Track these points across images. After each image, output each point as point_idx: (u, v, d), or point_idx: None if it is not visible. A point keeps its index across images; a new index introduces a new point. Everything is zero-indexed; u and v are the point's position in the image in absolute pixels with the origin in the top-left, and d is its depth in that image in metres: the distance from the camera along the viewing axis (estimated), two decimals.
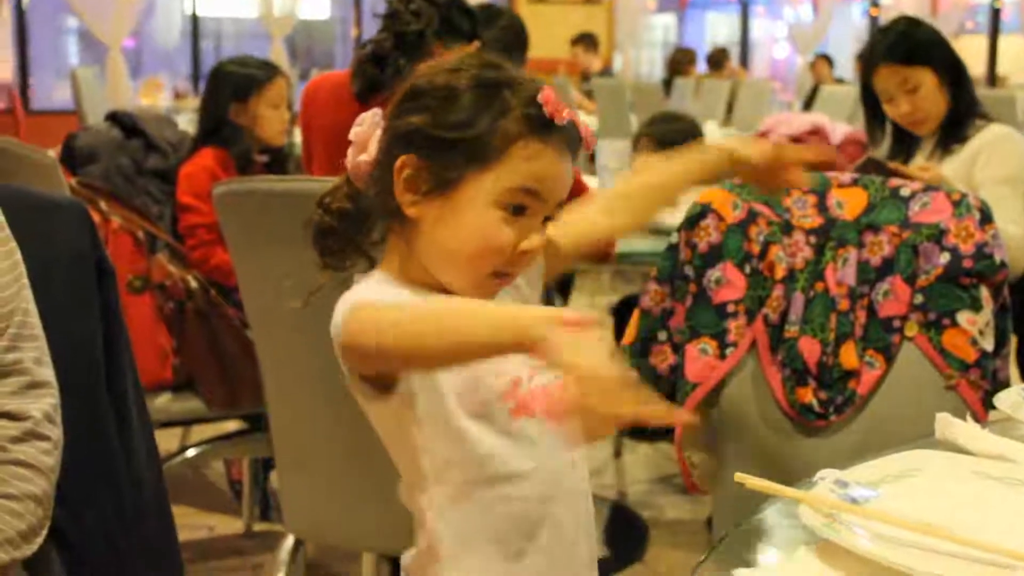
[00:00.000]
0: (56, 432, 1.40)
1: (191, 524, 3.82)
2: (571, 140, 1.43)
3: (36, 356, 1.41)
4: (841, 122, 4.46)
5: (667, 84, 11.39)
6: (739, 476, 1.20)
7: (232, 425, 3.42)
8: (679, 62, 12.29)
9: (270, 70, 3.75)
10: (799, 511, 1.15)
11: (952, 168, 3.37)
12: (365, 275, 1.48)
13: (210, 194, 3.28)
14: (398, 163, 1.41)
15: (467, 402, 1.40)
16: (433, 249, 1.42)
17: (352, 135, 1.47)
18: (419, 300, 1.41)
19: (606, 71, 12.54)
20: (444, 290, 1.44)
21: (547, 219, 1.43)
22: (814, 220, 2.14)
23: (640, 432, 4.12)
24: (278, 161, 3.74)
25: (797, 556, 1.09)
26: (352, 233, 1.49)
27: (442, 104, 1.41)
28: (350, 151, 1.50)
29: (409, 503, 1.51)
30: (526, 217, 1.39)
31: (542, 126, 1.39)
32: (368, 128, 1.46)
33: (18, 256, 1.42)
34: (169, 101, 10.42)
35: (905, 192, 2.16)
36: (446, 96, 1.41)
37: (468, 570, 1.45)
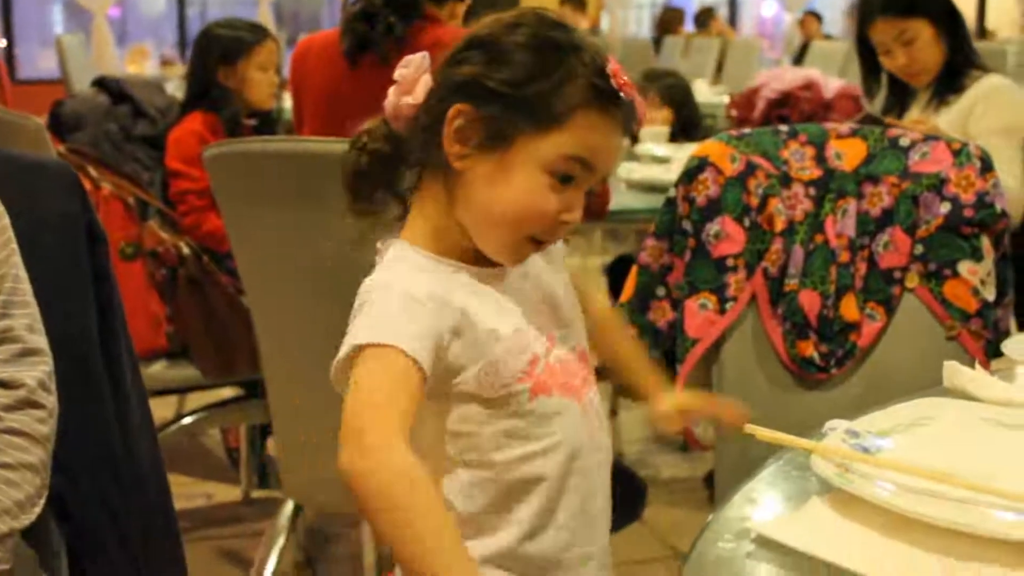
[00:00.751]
0: (51, 400, 1.39)
1: (189, 493, 3.81)
2: (629, 117, 1.39)
3: (28, 323, 1.39)
4: (834, 77, 4.42)
5: (656, 42, 11.37)
6: (749, 427, 1.18)
7: (228, 392, 3.40)
8: (668, 21, 12.28)
9: (259, 32, 3.71)
10: (811, 461, 1.13)
11: (947, 120, 3.36)
12: (386, 246, 1.43)
13: (200, 159, 3.25)
14: (452, 111, 1.35)
15: (487, 387, 1.36)
16: (475, 206, 1.37)
17: (397, 75, 1.41)
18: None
19: (594, 30, 12.48)
20: (471, 258, 1.40)
21: (589, 193, 1.40)
22: (813, 172, 2.12)
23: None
24: (267, 124, 3.71)
25: (811, 506, 1.08)
26: (386, 176, 1.45)
27: (506, 58, 1.36)
28: (392, 91, 1.43)
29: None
30: (573, 187, 1.36)
31: (607, 98, 1.34)
32: (415, 71, 1.40)
33: (6, 221, 1.40)
34: (156, 69, 10.36)
35: (904, 142, 2.14)
36: (511, 51, 1.36)
37: (487, 547, 1.42)
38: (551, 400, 1.39)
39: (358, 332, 1.32)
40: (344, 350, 1.33)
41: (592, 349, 1.53)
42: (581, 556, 1.45)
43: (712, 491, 3.72)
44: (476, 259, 1.40)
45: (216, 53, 3.62)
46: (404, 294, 1.33)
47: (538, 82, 1.34)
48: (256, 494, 3.80)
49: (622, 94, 1.34)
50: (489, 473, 1.39)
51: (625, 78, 1.35)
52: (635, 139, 4.03)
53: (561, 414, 1.40)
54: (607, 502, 1.49)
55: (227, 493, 3.86)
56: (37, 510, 1.35)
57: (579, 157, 1.34)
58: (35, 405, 1.35)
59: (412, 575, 1.20)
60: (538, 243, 1.38)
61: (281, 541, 2.66)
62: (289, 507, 2.67)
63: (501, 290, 1.40)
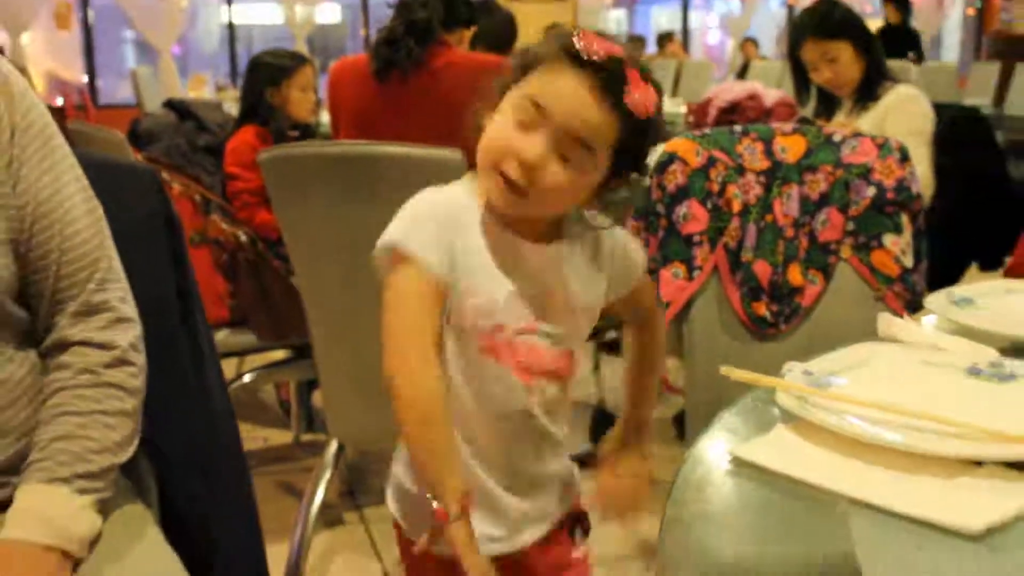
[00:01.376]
0: (140, 358, 1.37)
1: (248, 437, 3.80)
2: (607, 78, 1.24)
3: (120, 295, 1.37)
4: (773, 88, 4.40)
5: None
6: (724, 369, 1.16)
7: (280, 354, 3.39)
8: (631, 48, 12.23)
9: (298, 59, 3.70)
10: (776, 396, 1.12)
11: (867, 123, 3.37)
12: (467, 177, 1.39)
13: (252, 163, 3.25)
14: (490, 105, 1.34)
15: (455, 322, 1.32)
16: (477, 158, 1.33)
17: None
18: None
19: None
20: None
21: (567, 159, 1.26)
22: (763, 163, 2.11)
23: (615, 347, 4.11)
24: (308, 135, 3.69)
25: (777, 433, 1.06)
26: None
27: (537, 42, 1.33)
28: None
29: None
30: (532, 130, 1.26)
31: (569, 54, 1.26)
32: None
33: (100, 212, 1.38)
34: (212, 94, 10.32)
35: (837, 138, 2.13)
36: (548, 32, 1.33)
37: None
38: (497, 366, 1.34)
39: (394, 229, 1.31)
40: (382, 242, 1.31)
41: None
42: (489, 486, 1.40)
43: (680, 429, 3.72)
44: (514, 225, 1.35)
45: (264, 77, 3.61)
46: (438, 203, 1.33)
47: (531, 51, 1.31)
48: (304, 437, 3.81)
49: (582, 52, 1.24)
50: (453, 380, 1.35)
51: (596, 45, 1.24)
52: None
53: (502, 381, 1.35)
54: (544, 466, 1.44)
55: (280, 437, 3.86)
56: (132, 449, 1.34)
57: (533, 97, 1.26)
58: (128, 363, 1.34)
59: (418, 469, 1.33)
60: (515, 189, 1.27)
61: (327, 475, 2.65)
62: (333, 447, 2.66)
63: (511, 257, 1.34)
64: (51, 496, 1.22)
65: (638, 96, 1.25)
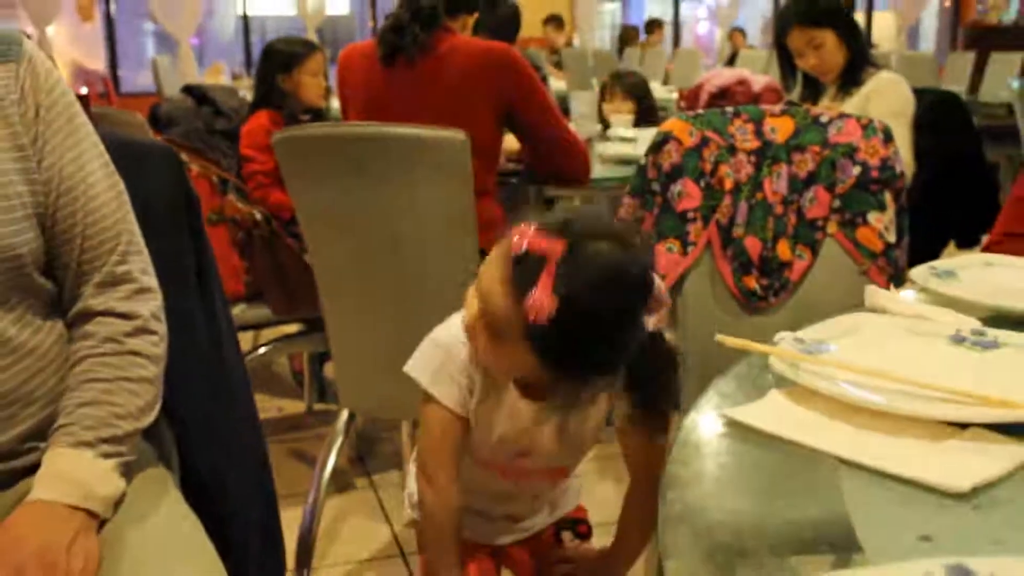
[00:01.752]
0: (162, 327, 1.36)
1: (263, 407, 3.79)
2: (519, 273, 1.18)
3: (142, 267, 1.36)
4: (760, 75, 4.38)
5: (619, 53, 11.33)
6: (719, 337, 1.15)
7: (293, 327, 3.38)
8: (626, 36, 12.25)
9: (309, 46, 3.69)
10: (770, 362, 1.11)
11: (851, 107, 3.36)
12: None
13: (266, 146, 3.23)
14: None
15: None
16: None
17: None
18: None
19: (569, 46, 12.41)
20: None
21: (488, 336, 1.26)
22: (753, 143, 2.09)
23: None
24: (319, 119, 3.66)
25: (771, 397, 1.05)
26: None
27: None
28: None
29: None
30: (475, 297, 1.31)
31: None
32: None
33: (122, 187, 1.37)
34: (228, 82, 10.29)
35: (824, 119, 2.11)
36: None
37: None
38: (490, 474, 1.46)
39: (424, 371, 1.40)
40: (412, 372, 1.42)
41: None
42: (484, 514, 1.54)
43: None
44: None
45: (276, 63, 3.59)
46: (449, 351, 1.38)
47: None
48: (317, 407, 3.81)
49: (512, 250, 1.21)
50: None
51: (524, 240, 1.18)
52: (607, 125, 3.99)
53: (496, 481, 1.47)
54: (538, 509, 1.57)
55: (294, 407, 3.85)
56: (154, 415, 1.32)
57: (478, 270, 1.29)
58: (149, 332, 1.33)
59: (426, 556, 1.49)
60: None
61: (338, 443, 2.63)
62: (344, 415, 2.64)
63: (505, 408, 1.38)
64: (77, 459, 1.21)
65: (533, 301, 1.14)
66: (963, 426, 0.96)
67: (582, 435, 1.42)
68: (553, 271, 1.14)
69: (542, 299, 1.13)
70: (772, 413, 1.01)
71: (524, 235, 1.17)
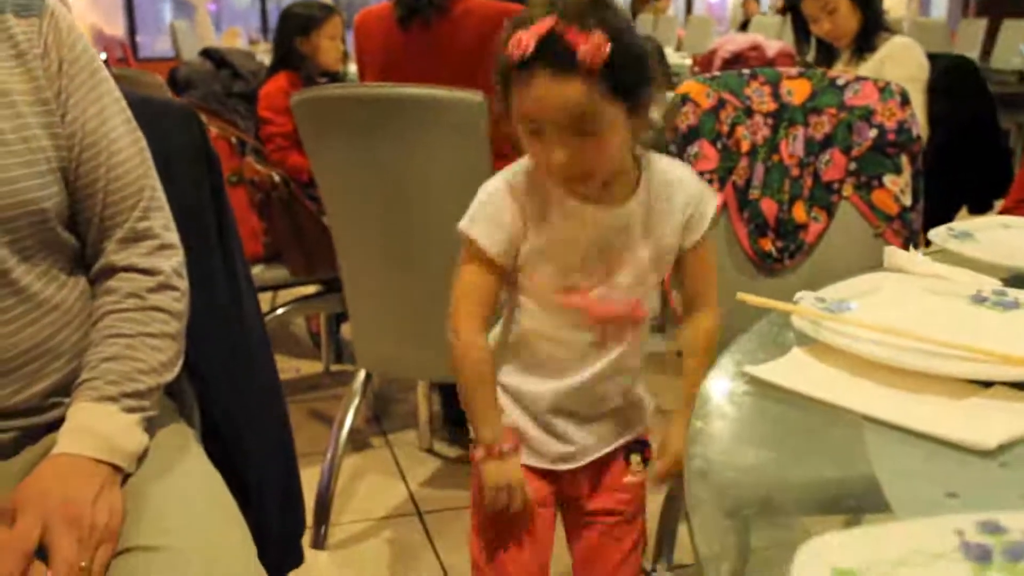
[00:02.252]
0: (183, 284, 1.35)
1: (282, 368, 3.76)
2: (553, 58, 1.23)
3: (164, 223, 1.35)
4: (774, 40, 4.33)
5: (633, 18, 11.23)
6: (741, 295, 1.13)
7: (311, 288, 3.37)
8: (637, 2, 12.14)
9: (327, 10, 3.66)
10: (792, 320, 1.09)
11: (865, 71, 3.33)
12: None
13: (284, 108, 3.22)
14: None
15: (531, 282, 1.41)
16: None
17: None
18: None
19: None
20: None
21: (587, 133, 1.27)
22: (770, 105, 2.06)
23: None
24: (335, 82, 3.64)
25: (793, 355, 1.03)
26: None
27: (498, 49, 1.32)
28: None
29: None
30: (544, 135, 1.28)
31: (516, 66, 1.26)
32: None
33: (144, 143, 1.35)
34: (245, 47, 10.24)
35: (841, 82, 2.09)
36: (502, 42, 1.31)
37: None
38: (573, 314, 1.41)
39: (467, 216, 1.40)
40: (463, 224, 1.40)
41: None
42: (564, 416, 1.49)
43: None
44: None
45: (294, 26, 3.56)
46: (496, 193, 1.38)
47: (496, 70, 1.31)
48: (334, 367, 3.80)
49: (516, 60, 1.24)
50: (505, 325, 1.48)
51: (519, 42, 1.24)
52: None
53: (579, 328, 1.42)
54: (608, 389, 1.50)
55: (311, 367, 3.85)
56: (176, 370, 1.31)
57: (523, 115, 1.28)
58: (171, 287, 1.32)
59: (468, 414, 1.46)
60: (572, 180, 1.33)
61: (355, 403, 2.64)
62: (361, 376, 2.64)
63: (581, 223, 1.37)
64: (101, 413, 1.20)
65: (584, 51, 1.21)
66: (986, 384, 0.94)
67: (657, 254, 1.43)
68: (569, 24, 1.23)
69: (589, 41, 1.21)
70: (794, 370, 0.99)
71: (520, 41, 1.25)
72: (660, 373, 3.69)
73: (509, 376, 1.48)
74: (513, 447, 1.43)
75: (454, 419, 3.13)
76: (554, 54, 1.23)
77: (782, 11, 9.63)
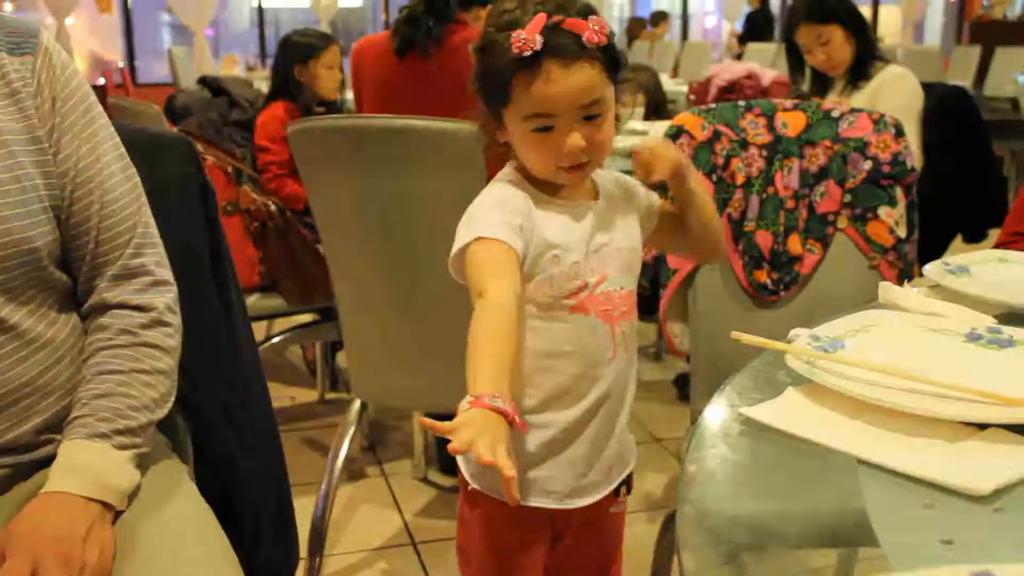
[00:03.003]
0: (176, 320, 1.34)
1: (277, 396, 3.77)
2: (560, 48, 1.26)
3: (157, 260, 1.34)
4: (769, 68, 4.35)
5: (628, 45, 11.30)
6: (735, 334, 1.12)
7: (306, 317, 3.37)
8: (633, 27, 12.21)
9: (326, 39, 3.66)
10: (786, 359, 1.08)
11: (859, 101, 3.33)
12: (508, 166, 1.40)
13: (281, 137, 3.21)
14: (482, 113, 1.37)
15: (540, 293, 1.34)
16: (522, 159, 1.36)
17: None
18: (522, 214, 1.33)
19: None
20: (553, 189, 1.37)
21: (593, 117, 1.29)
22: (765, 137, 2.06)
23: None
24: (333, 112, 3.64)
25: (787, 395, 1.03)
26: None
27: (478, 58, 1.34)
28: None
29: None
30: (554, 129, 1.29)
31: (522, 61, 1.26)
32: None
33: (137, 179, 1.35)
34: (243, 73, 10.27)
35: (836, 114, 2.09)
36: (481, 50, 1.33)
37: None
38: (586, 318, 1.36)
39: (464, 235, 1.30)
40: (456, 247, 1.30)
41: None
42: (593, 441, 1.42)
43: (679, 390, 3.70)
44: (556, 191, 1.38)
45: (293, 55, 3.57)
46: (493, 198, 1.34)
47: (486, 77, 1.32)
48: (329, 396, 3.79)
49: (524, 54, 1.25)
50: (532, 359, 1.38)
51: (525, 37, 1.25)
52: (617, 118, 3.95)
53: (593, 331, 1.37)
54: (624, 408, 1.45)
55: (307, 395, 3.83)
56: (168, 406, 1.31)
57: (534, 113, 1.28)
58: (164, 324, 1.31)
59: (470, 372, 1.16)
60: (572, 169, 1.32)
61: (350, 432, 2.62)
62: (356, 405, 2.62)
63: (574, 221, 1.36)
64: (92, 451, 1.19)
65: (590, 34, 1.27)
66: (981, 426, 0.94)
67: (632, 242, 1.42)
68: (565, 16, 1.27)
69: (592, 26, 1.27)
70: (789, 411, 0.99)
71: (522, 37, 1.26)
72: (655, 401, 3.69)
73: (528, 415, 1.39)
74: (512, 412, 1.11)
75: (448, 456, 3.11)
76: (560, 43, 1.26)
77: (737, 54, 9.70)
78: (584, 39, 1.26)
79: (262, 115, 3.49)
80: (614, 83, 1.32)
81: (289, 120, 3.27)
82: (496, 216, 1.30)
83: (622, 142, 3.44)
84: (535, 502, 1.42)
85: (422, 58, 2.63)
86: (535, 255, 1.32)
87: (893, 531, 0.77)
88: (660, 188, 1.51)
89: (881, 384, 1.03)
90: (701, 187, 1.50)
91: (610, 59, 1.30)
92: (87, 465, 1.18)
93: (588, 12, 1.29)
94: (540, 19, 1.27)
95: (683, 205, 1.48)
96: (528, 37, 1.25)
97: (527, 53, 1.25)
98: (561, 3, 1.29)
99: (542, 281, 1.33)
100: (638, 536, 2.45)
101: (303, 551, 2.38)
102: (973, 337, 1.19)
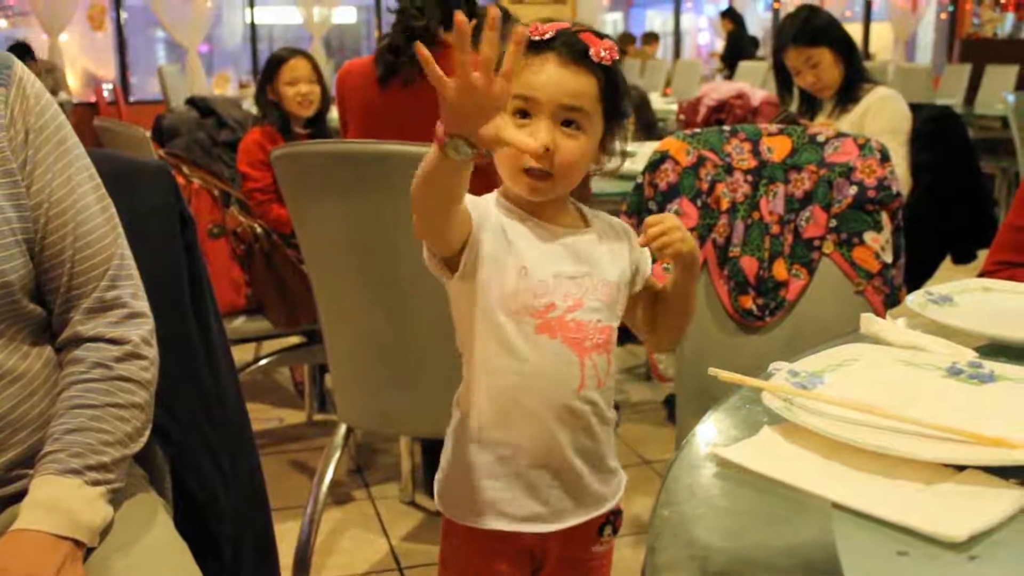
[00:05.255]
0: (152, 352, 1.33)
1: (265, 417, 3.76)
2: (570, 49, 1.30)
3: (133, 291, 1.33)
4: (758, 88, 4.34)
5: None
6: (712, 370, 1.11)
7: (294, 339, 3.35)
8: (621, 43, 12.20)
9: (289, 52, 3.50)
10: (763, 397, 1.07)
11: (848, 123, 3.34)
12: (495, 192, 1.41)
13: (260, 162, 3.21)
14: None
15: (506, 305, 1.33)
16: (498, 167, 1.36)
17: None
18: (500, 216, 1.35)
19: None
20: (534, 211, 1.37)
21: (570, 123, 1.30)
22: (750, 162, 2.06)
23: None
24: (319, 133, 3.54)
25: (763, 434, 1.01)
26: None
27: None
28: None
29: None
30: (532, 120, 1.29)
31: (529, 46, 1.28)
32: None
33: (112, 210, 1.33)
34: (235, 90, 10.28)
35: (821, 138, 2.08)
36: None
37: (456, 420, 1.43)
38: (552, 342, 1.34)
39: None
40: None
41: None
42: (557, 470, 1.40)
43: (669, 411, 3.69)
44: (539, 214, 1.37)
45: (263, 75, 3.51)
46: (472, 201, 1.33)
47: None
48: (317, 417, 3.77)
49: (540, 39, 1.29)
50: (476, 363, 1.38)
51: (544, 28, 1.30)
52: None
53: (558, 357, 1.35)
54: (580, 439, 1.41)
55: (294, 417, 3.81)
56: (143, 440, 1.29)
57: (519, 94, 1.29)
58: (139, 356, 1.30)
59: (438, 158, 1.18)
60: (535, 175, 1.31)
61: (337, 454, 2.60)
62: (343, 428, 2.61)
63: (553, 244, 1.36)
64: (64, 487, 1.18)
65: (601, 49, 1.31)
66: (959, 467, 0.92)
67: (618, 280, 1.41)
68: (584, 30, 1.33)
69: (605, 44, 1.31)
70: (764, 451, 0.97)
71: (539, 27, 1.31)
72: (646, 423, 3.67)
73: (488, 430, 1.40)
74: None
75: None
76: (568, 44, 1.31)
77: (726, 75, 9.74)
78: (591, 52, 1.30)
79: (243, 140, 3.43)
80: (604, 109, 1.33)
81: (267, 143, 3.26)
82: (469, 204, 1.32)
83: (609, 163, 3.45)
84: (493, 524, 1.39)
85: (405, 87, 2.62)
86: (501, 259, 1.32)
87: None
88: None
89: (859, 423, 1.01)
90: (695, 283, 1.49)
91: (609, 82, 1.32)
92: (58, 502, 1.16)
93: (606, 38, 1.33)
94: (563, 24, 1.33)
95: (675, 288, 1.47)
96: (543, 28, 1.31)
97: (535, 38, 1.29)
98: (587, 26, 1.35)
99: (510, 293, 1.33)
100: (625, 561, 2.44)
101: None
102: (954, 372, 1.17)
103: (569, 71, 1.30)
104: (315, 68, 3.51)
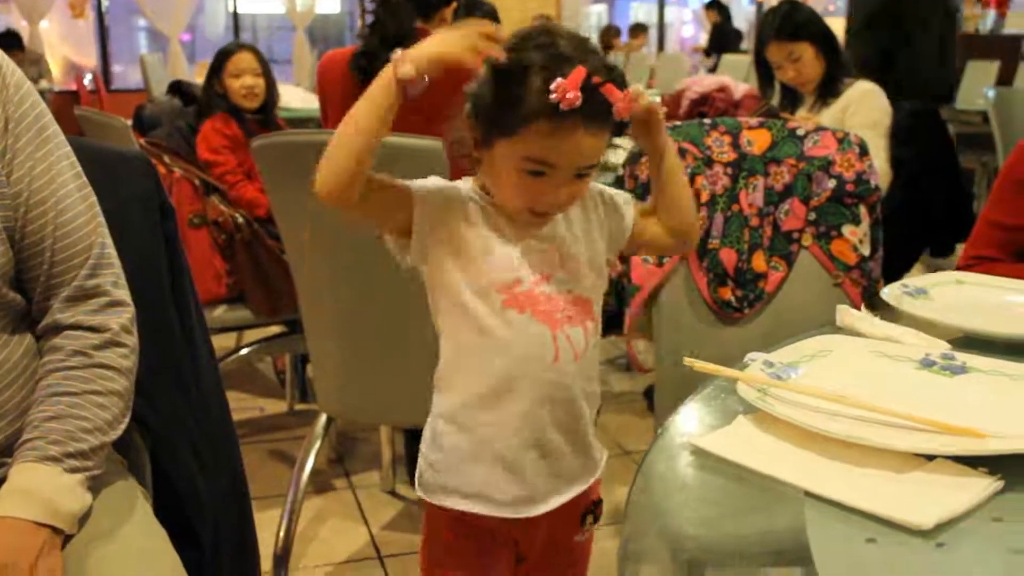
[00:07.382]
0: (132, 340, 1.33)
1: (246, 407, 3.77)
2: (593, 112, 1.23)
3: (113, 280, 1.33)
4: (741, 82, 4.35)
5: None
6: (687, 360, 1.12)
7: (275, 329, 3.35)
8: (606, 36, 12.19)
9: (236, 45, 3.56)
10: (738, 387, 1.08)
11: (828, 117, 3.35)
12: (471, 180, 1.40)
13: (223, 147, 3.20)
14: (467, 122, 1.32)
15: (471, 282, 1.33)
16: (489, 183, 1.35)
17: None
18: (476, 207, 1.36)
19: None
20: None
21: (583, 175, 1.29)
22: (730, 155, 2.07)
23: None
24: (268, 123, 3.52)
25: (737, 424, 1.03)
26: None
27: (484, 85, 1.29)
28: None
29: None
30: (545, 177, 1.27)
31: (553, 109, 1.22)
32: None
33: (93, 199, 1.34)
34: None
35: (800, 132, 2.10)
36: (486, 79, 1.28)
37: (438, 403, 1.42)
38: (520, 316, 1.34)
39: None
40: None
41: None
42: (519, 446, 1.38)
43: (650, 402, 3.70)
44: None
45: (211, 67, 3.51)
46: (444, 184, 1.36)
47: (499, 105, 1.27)
48: (298, 407, 3.77)
49: (561, 106, 1.21)
50: (466, 348, 1.37)
51: (570, 93, 1.20)
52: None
53: (528, 330, 1.34)
54: (560, 415, 1.39)
55: (275, 406, 3.82)
56: (122, 427, 1.29)
57: (537, 158, 1.26)
58: (119, 344, 1.30)
59: (384, 99, 1.33)
60: (539, 215, 1.32)
61: (317, 443, 2.61)
62: (323, 418, 2.62)
63: (521, 222, 1.35)
64: (43, 474, 1.18)
65: (621, 109, 1.25)
66: (929, 457, 0.94)
67: (590, 255, 1.41)
68: (607, 79, 1.25)
69: (624, 98, 1.25)
70: (739, 440, 0.99)
71: (565, 90, 1.22)
72: (625, 413, 3.69)
73: (466, 410, 1.39)
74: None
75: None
76: (594, 108, 1.23)
77: (709, 68, 9.77)
78: (615, 110, 1.25)
79: (200, 132, 3.40)
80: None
81: (223, 128, 3.28)
82: (435, 187, 1.35)
83: None
84: (475, 510, 1.39)
85: None
86: (467, 238, 1.34)
87: (834, 565, 0.77)
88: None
89: (831, 413, 1.03)
90: (673, 151, 1.46)
91: (620, 126, 1.31)
92: (37, 489, 1.17)
93: (623, 81, 1.27)
94: (580, 73, 1.22)
95: (655, 167, 1.45)
96: (573, 94, 1.21)
97: (565, 108, 1.22)
98: (606, 63, 1.27)
99: (475, 271, 1.34)
100: (605, 551, 2.45)
101: (268, 565, 2.38)
102: (926, 363, 1.19)
103: (592, 135, 1.26)
104: (261, 61, 3.54)
